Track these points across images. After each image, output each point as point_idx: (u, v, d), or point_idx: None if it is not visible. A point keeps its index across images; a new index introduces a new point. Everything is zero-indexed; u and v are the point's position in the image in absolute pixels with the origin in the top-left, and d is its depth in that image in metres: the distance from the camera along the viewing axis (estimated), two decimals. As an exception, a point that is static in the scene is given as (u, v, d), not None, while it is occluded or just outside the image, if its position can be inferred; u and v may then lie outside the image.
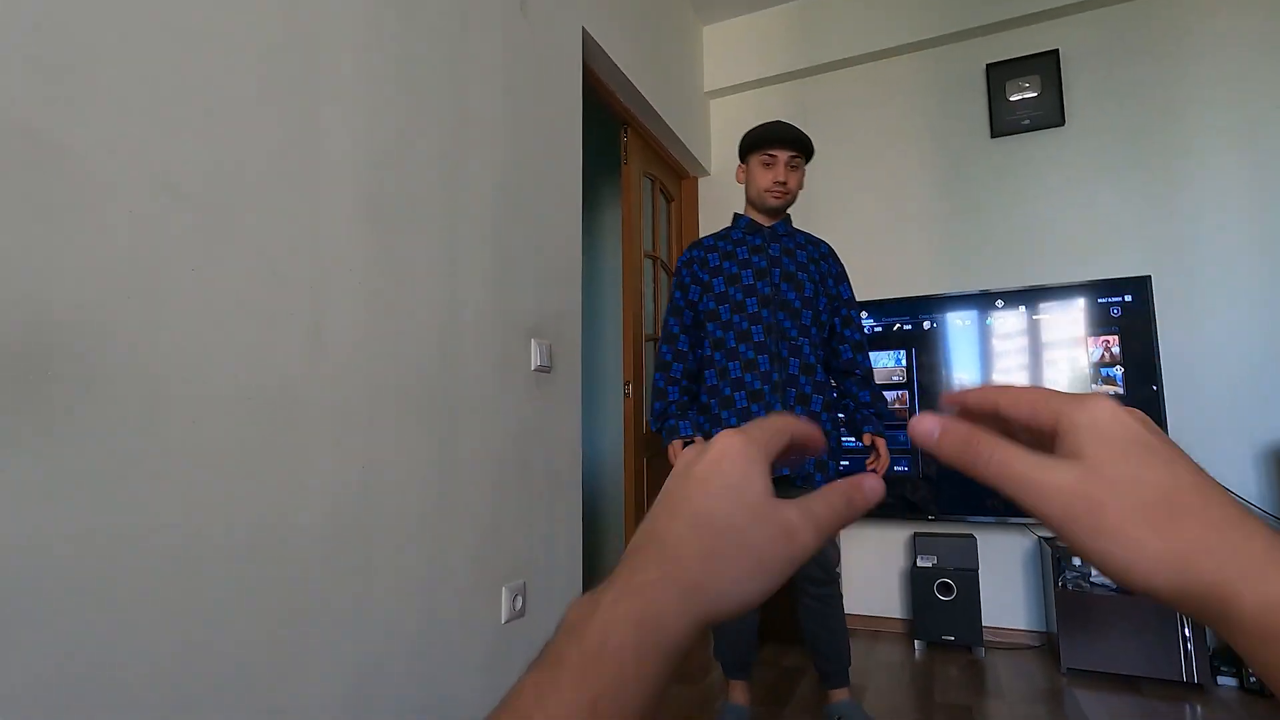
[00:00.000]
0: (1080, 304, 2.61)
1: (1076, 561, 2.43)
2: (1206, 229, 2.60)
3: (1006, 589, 2.75)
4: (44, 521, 0.82)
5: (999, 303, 2.74)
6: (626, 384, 2.77)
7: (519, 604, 1.70)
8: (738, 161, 2.01)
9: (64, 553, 0.84)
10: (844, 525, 0.30)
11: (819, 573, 1.82)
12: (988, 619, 2.67)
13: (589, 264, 3.92)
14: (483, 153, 1.72)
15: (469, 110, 1.68)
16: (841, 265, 2.04)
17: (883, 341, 2.90)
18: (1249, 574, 0.22)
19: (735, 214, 2.03)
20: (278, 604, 1.11)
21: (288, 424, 1.16)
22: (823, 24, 3.27)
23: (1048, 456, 0.26)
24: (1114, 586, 2.35)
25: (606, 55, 2.42)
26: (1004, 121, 2.92)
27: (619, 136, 2.89)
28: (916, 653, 2.61)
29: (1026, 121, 2.88)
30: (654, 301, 3.07)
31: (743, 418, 1.82)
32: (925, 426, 0.29)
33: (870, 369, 2.00)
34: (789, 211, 2.01)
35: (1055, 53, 2.85)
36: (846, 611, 2.94)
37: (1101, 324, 2.57)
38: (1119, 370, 2.53)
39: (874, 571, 2.97)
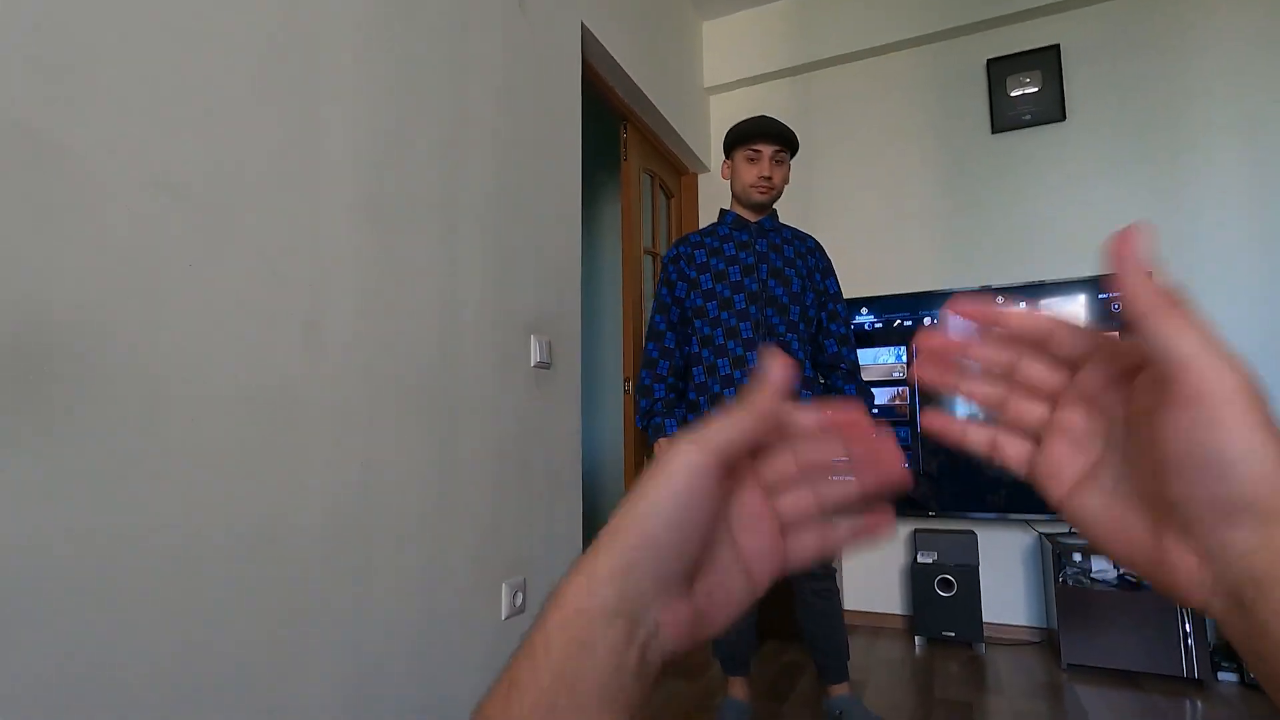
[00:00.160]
0: (1081, 300, 2.61)
1: (1077, 557, 2.44)
2: (1207, 225, 2.60)
3: (1007, 585, 2.75)
4: (43, 521, 0.82)
5: (1000, 299, 2.72)
6: (626, 380, 2.77)
7: (519, 600, 1.71)
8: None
9: (63, 552, 0.84)
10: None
11: (817, 568, 1.82)
12: (988, 615, 2.67)
13: (588, 261, 3.92)
14: (482, 149, 1.72)
15: (468, 107, 1.67)
16: (828, 259, 2.03)
17: (883, 338, 2.90)
18: None
19: (722, 210, 2.03)
20: (277, 603, 1.11)
21: (287, 423, 1.15)
22: (823, 19, 3.26)
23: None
24: (1114, 582, 2.36)
25: (606, 51, 2.42)
26: (1005, 117, 2.91)
27: (618, 133, 2.89)
28: (917, 649, 2.61)
29: (1027, 117, 2.87)
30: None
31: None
32: None
33: (856, 362, 1.99)
34: (775, 207, 2.01)
35: (1056, 48, 2.84)
36: (847, 608, 2.95)
37: (1103, 320, 2.57)
38: (1120, 366, 2.53)
39: (874, 568, 2.98)
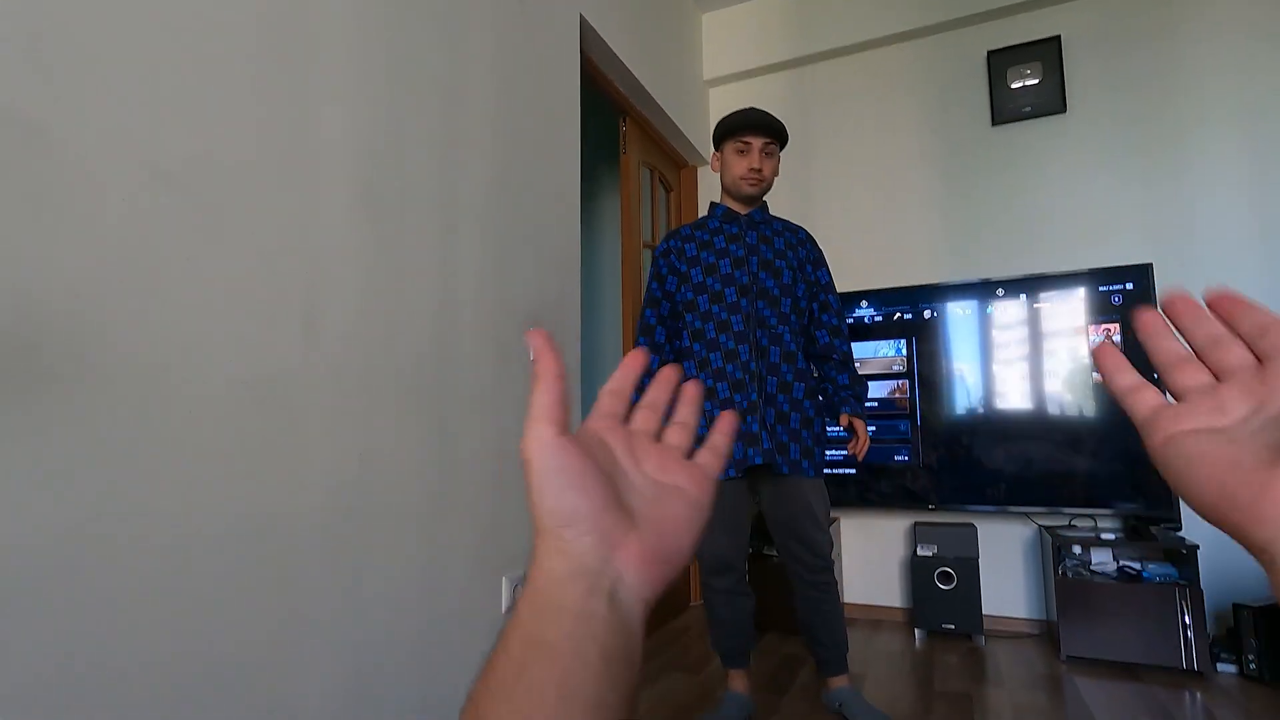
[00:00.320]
0: (1081, 292, 2.60)
1: (1076, 550, 2.44)
2: (1208, 216, 2.59)
3: (1006, 577, 2.76)
4: (38, 515, 0.82)
5: (999, 291, 2.73)
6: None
7: (520, 594, 1.70)
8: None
9: (58, 547, 0.83)
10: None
11: (815, 560, 1.82)
12: (988, 608, 2.67)
13: (588, 254, 3.91)
14: (479, 141, 1.71)
15: (466, 100, 1.67)
16: (820, 251, 2.02)
17: (883, 331, 2.89)
18: None
19: (712, 203, 2.02)
20: (275, 597, 1.11)
21: (284, 416, 1.15)
22: (823, 11, 3.24)
23: None
24: (1114, 574, 2.36)
25: (605, 43, 2.40)
26: (1005, 109, 2.90)
27: (618, 125, 2.88)
28: (917, 641, 2.62)
29: (1028, 109, 2.86)
30: (653, 292, 3.06)
31: (724, 408, 1.81)
32: None
33: (848, 352, 1.98)
34: (768, 199, 2.00)
35: (1057, 39, 2.83)
36: (846, 600, 2.95)
37: (1103, 312, 2.56)
38: (1120, 359, 2.52)
39: (874, 561, 2.98)
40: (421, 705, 1.38)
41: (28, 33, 0.84)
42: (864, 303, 2.93)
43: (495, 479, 1.66)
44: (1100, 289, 2.57)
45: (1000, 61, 2.92)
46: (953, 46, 3.05)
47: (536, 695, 0.26)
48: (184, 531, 0.98)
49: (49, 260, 0.85)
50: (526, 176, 1.89)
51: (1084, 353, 2.58)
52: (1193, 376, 0.33)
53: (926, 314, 2.83)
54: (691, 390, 0.41)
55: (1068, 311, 2.61)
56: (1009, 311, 2.70)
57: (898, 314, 2.88)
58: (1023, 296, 2.69)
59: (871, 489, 2.85)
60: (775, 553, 2.67)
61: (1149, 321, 0.35)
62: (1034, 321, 2.66)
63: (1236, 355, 0.32)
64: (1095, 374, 2.55)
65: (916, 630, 2.65)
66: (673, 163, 3.34)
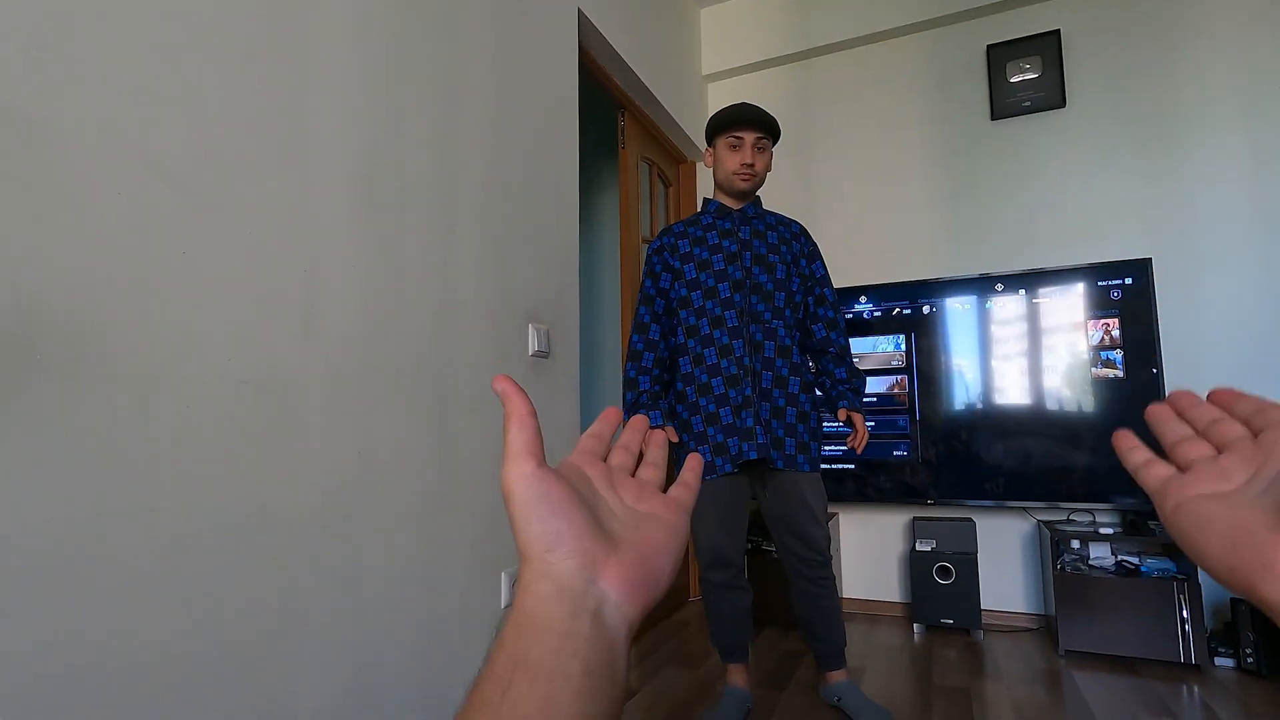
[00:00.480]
0: (1080, 287, 2.60)
1: (1075, 544, 2.44)
2: (1207, 211, 2.59)
3: (1005, 572, 2.76)
4: (34, 511, 0.82)
5: (999, 286, 2.72)
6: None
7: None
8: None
9: (55, 542, 0.84)
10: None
11: (813, 555, 1.82)
12: (986, 602, 2.68)
13: (587, 249, 3.90)
14: (478, 137, 1.70)
15: (463, 94, 1.66)
16: (814, 244, 2.02)
17: (882, 326, 2.89)
18: None
19: (705, 199, 2.02)
20: (274, 593, 1.11)
21: (282, 412, 1.15)
22: (821, 5, 3.23)
23: None
24: (1112, 569, 2.36)
25: (603, 38, 2.40)
26: (1004, 103, 2.89)
27: (616, 120, 2.87)
28: (915, 636, 2.62)
29: (1027, 103, 2.85)
30: (652, 287, 3.06)
31: (720, 404, 1.81)
32: None
33: (845, 346, 1.98)
34: (761, 194, 2.00)
35: (1057, 33, 2.82)
36: (846, 595, 2.96)
37: (1102, 307, 2.56)
38: (1119, 353, 2.52)
39: (873, 556, 2.98)
40: (421, 702, 1.39)
41: (24, 28, 0.84)
42: (863, 298, 2.93)
43: (495, 476, 1.66)
44: (1099, 284, 2.57)
45: (1000, 56, 2.91)
46: (952, 41, 3.04)
47: (520, 711, 0.27)
48: (182, 529, 0.98)
49: (45, 256, 0.84)
50: (525, 172, 1.89)
51: (1083, 348, 2.58)
52: (1196, 450, 0.37)
53: (925, 309, 2.83)
54: (658, 435, 0.46)
55: (1067, 306, 2.61)
56: (1008, 307, 2.70)
57: (897, 309, 2.88)
58: (1022, 292, 2.68)
59: (870, 484, 2.85)
60: (773, 548, 2.68)
61: (1157, 411, 0.40)
62: (1033, 317, 2.66)
63: (1235, 431, 0.36)
64: (1094, 369, 2.55)
65: (915, 625, 2.66)
66: (672, 158, 3.34)
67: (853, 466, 2.87)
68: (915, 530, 2.72)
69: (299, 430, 1.17)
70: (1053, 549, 2.41)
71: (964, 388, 2.74)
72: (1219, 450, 0.36)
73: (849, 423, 1.91)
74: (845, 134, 3.21)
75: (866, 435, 1.91)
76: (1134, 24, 2.74)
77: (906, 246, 3.04)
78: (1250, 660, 2.16)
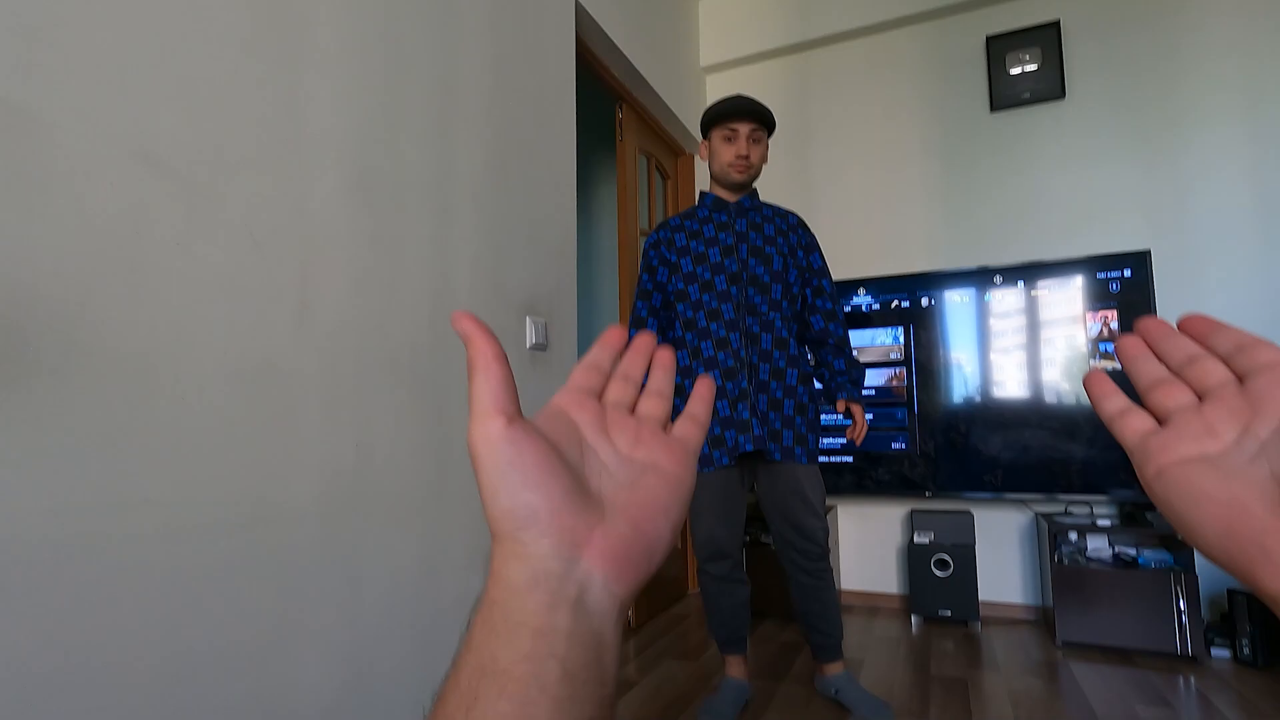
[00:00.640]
0: (1079, 279, 2.59)
1: (1073, 536, 2.45)
2: (1206, 203, 2.58)
3: (1003, 564, 2.77)
4: (24, 508, 0.82)
5: (997, 279, 2.72)
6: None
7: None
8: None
9: (48, 533, 0.83)
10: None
11: (810, 547, 1.82)
12: (984, 594, 2.69)
13: (585, 242, 3.90)
14: (474, 128, 1.69)
15: (459, 85, 1.65)
16: (812, 235, 2.01)
17: (880, 319, 2.89)
18: None
19: (701, 192, 2.01)
20: (270, 585, 1.11)
21: (278, 403, 1.15)
22: (820, -4, 3.21)
23: None
24: (1109, 561, 2.37)
25: (600, 29, 2.38)
26: (1004, 95, 2.88)
27: (614, 113, 2.86)
28: (913, 628, 2.63)
29: (1027, 95, 2.84)
30: (651, 280, 3.05)
31: (717, 397, 1.81)
32: None
33: (844, 337, 1.97)
34: (758, 185, 1.99)
35: (1056, 24, 2.81)
36: (844, 587, 2.97)
37: (1100, 299, 2.56)
38: (1117, 346, 2.52)
39: (871, 548, 2.99)
40: (419, 693, 1.39)
41: (15, 18, 0.83)
42: (862, 290, 2.92)
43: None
44: (1098, 276, 2.56)
45: (999, 47, 2.90)
46: (951, 32, 3.03)
47: None
48: (178, 523, 0.98)
49: (39, 249, 0.84)
50: (522, 164, 1.88)
51: (1081, 340, 2.58)
52: (1174, 397, 0.33)
53: (924, 302, 2.83)
54: (664, 356, 0.37)
55: (1065, 299, 2.61)
56: (1007, 299, 2.70)
57: (895, 302, 2.87)
58: (1020, 284, 2.68)
59: (869, 476, 2.85)
60: (771, 540, 2.68)
61: (1127, 345, 0.36)
62: (1032, 309, 2.66)
63: (1216, 373, 0.32)
64: (1092, 362, 2.55)
65: (913, 616, 2.67)
66: (670, 150, 3.32)
67: (851, 459, 2.87)
68: (913, 522, 2.73)
69: (296, 423, 1.17)
70: (1050, 541, 2.42)
71: (962, 380, 2.74)
72: (1200, 396, 0.32)
73: (848, 414, 1.91)
74: (844, 126, 3.19)
75: (866, 427, 1.91)
76: (1133, 16, 2.73)
77: (905, 239, 3.03)
78: (1246, 651, 2.17)
